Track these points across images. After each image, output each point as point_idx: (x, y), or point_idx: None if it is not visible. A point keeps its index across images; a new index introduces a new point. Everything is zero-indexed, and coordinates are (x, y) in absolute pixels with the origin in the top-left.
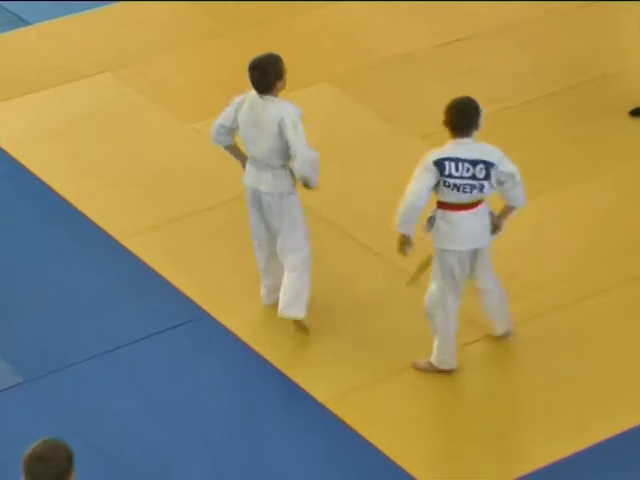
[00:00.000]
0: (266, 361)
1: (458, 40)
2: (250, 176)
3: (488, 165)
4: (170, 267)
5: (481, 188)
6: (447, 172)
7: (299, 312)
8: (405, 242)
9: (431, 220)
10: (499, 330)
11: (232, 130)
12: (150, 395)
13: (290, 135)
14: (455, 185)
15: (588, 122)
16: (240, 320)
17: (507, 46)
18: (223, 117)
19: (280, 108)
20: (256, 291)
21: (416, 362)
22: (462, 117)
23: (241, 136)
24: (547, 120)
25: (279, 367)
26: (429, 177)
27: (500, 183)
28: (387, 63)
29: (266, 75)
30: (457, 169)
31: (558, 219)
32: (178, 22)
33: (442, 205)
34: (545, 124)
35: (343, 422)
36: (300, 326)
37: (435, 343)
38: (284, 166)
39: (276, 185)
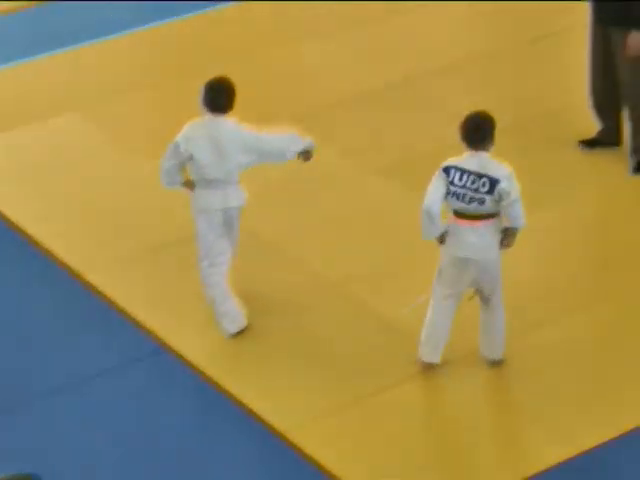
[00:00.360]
0: (227, 393)
1: (411, 78)
2: (216, 198)
3: (493, 181)
4: (131, 301)
5: (482, 201)
6: (450, 179)
7: None
8: (440, 241)
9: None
10: (486, 353)
11: (182, 166)
12: (110, 429)
13: (254, 142)
14: (456, 193)
15: (539, 154)
16: (201, 352)
17: (458, 83)
18: (169, 157)
19: (234, 126)
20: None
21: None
22: (476, 132)
23: (196, 163)
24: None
25: (240, 398)
26: (441, 183)
27: (500, 200)
28: (345, 102)
29: (223, 95)
30: (460, 179)
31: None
32: (135, 65)
33: (453, 212)
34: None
35: (304, 452)
36: None
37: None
38: (238, 182)
39: (239, 198)
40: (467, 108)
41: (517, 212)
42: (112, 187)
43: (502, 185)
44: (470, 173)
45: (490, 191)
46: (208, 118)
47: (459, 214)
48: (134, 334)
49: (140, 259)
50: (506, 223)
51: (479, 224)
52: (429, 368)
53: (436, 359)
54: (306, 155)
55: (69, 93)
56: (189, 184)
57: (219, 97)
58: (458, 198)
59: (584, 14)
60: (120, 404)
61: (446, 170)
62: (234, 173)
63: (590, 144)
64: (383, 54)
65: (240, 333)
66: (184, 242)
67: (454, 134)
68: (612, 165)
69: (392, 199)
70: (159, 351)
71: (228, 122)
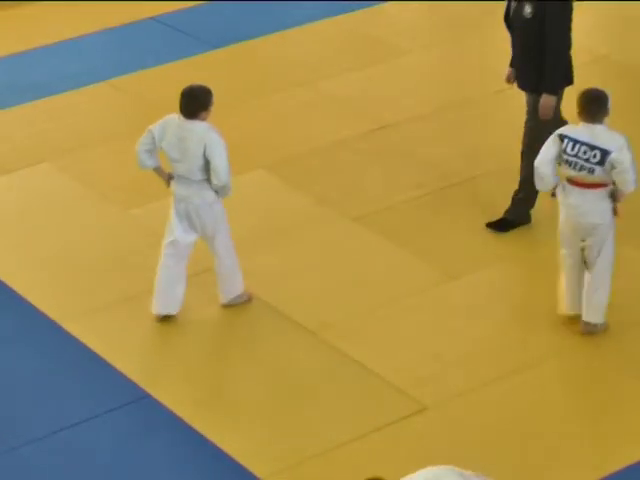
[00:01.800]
0: (207, 439)
1: (383, 127)
2: (180, 190)
3: (604, 152)
4: (110, 349)
5: (591, 170)
6: (564, 147)
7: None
8: (552, 194)
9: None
10: (587, 317)
11: (155, 152)
12: (93, 477)
13: (215, 157)
14: (567, 161)
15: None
16: (181, 399)
17: (429, 132)
18: (144, 142)
19: (205, 132)
20: (197, 369)
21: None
22: (592, 105)
23: (167, 156)
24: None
25: (220, 445)
26: (553, 146)
27: (613, 168)
28: (319, 150)
29: (196, 102)
30: (573, 148)
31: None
32: (108, 114)
33: (565, 177)
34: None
35: None
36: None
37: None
38: (207, 180)
39: (203, 196)
40: (438, 156)
41: (628, 178)
42: (87, 236)
43: (613, 155)
44: (582, 144)
45: (601, 162)
46: (181, 118)
47: (570, 180)
48: (114, 382)
49: (117, 307)
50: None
51: (588, 190)
52: (569, 319)
53: (573, 310)
54: (223, 193)
55: (42, 143)
56: (160, 171)
57: (189, 103)
58: (570, 165)
59: None
60: (101, 452)
61: (561, 137)
62: (197, 173)
63: (497, 225)
64: (356, 103)
65: (163, 319)
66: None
67: (429, 181)
68: None
69: (366, 246)
70: (139, 399)
71: (199, 125)
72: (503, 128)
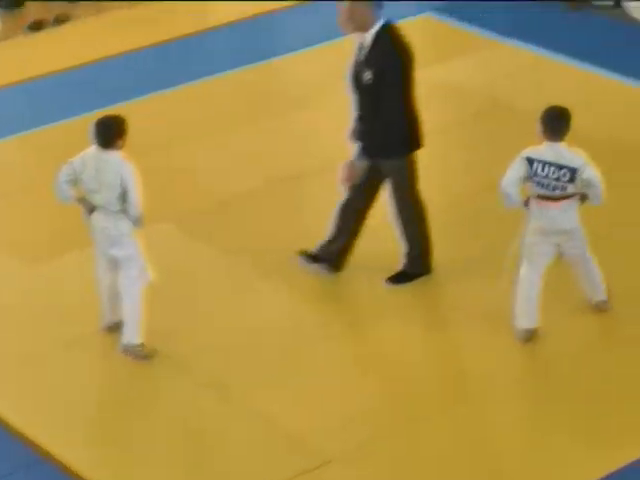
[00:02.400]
0: None
1: (287, 178)
2: (98, 221)
3: (572, 170)
4: (10, 409)
5: (564, 188)
6: (534, 171)
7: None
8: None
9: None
10: (594, 296)
11: (74, 184)
12: None
13: (130, 186)
14: (540, 183)
15: (489, 222)
16: (83, 458)
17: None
18: (66, 173)
19: (120, 162)
20: (101, 426)
21: None
22: (556, 122)
23: (85, 188)
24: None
25: None
26: (520, 168)
27: (584, 186)
28: (226, 202)
29: (109, 131)
30: (543, 170)
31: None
32: (11, 168)
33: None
34: None
35: None
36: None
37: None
38: (122, 210)
39: (118, 226)
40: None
41: (598, 192)
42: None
43: (584, 175)
44: (550, 164)
45: (571, 179)
46: (97, 149)
47: (542, 197)
48: (8, 445)
49: (22, 363)
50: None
51: (562, 202)
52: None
53: (532, 324)
54: (137, 224)
55: None
56: (82, 202)
57: (104, 132)
58: (542, 186)
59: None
60: None
61: (529, 160)
62: (114, 203)
63: (308, 257)
64: (259, 155)
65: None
66: (70, 346)
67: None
68: None
69: (271, 298)
70: (35, 463)
71: (115, 155)
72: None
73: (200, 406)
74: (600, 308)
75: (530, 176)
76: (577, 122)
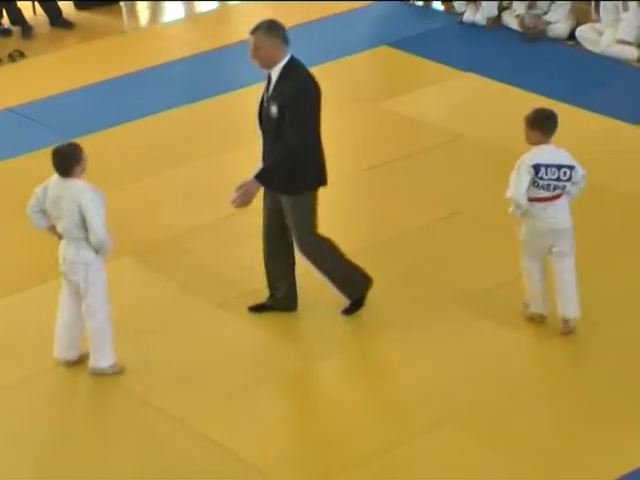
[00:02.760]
0: None
1: (242, 211)
2: (62, 248)
3: (570, 168)
4: None
5: (563, 187)
6: (540, 175)
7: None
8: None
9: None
10: (565, 312)
11: (44, 212)
12: None
13: (89, 213)
14: (543, 186)
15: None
16: None
17: None
18: (32, 205)
19: (79, 190)
20: (56, 458)
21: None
22: (549, 122)
23: (50, 215)
24: None
25: None
26: (527, 177)
27: (576, 182)
28: (183, 236)
29: (66, 160)
30: (546, 173)
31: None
32: None
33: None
34: None
35: None
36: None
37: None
38: (85, 238)
39: (80, 255)
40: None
41: (581, 188)
42: None
43: (580, 171)
44: (551, 166)
45: (569, 178)
46: (57, 178)
47: (540, 199)
48: None
49: None
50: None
51: (556, 200)
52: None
53: (543, 310)
54: (100, 252)
55: None
56: (53, 231)
57: (61, 161)
58: (544, 188)
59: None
60: None
61: (535, 167)
62: (74, 231)
63: (260, 309)
64: (213, 188)
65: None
66: (37, 377)
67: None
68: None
69: (231, 331)
70: None
71: (75, 183)
72: (376, 205)
73: (162, 438)
74: (565, 326)
75: (535, 181)
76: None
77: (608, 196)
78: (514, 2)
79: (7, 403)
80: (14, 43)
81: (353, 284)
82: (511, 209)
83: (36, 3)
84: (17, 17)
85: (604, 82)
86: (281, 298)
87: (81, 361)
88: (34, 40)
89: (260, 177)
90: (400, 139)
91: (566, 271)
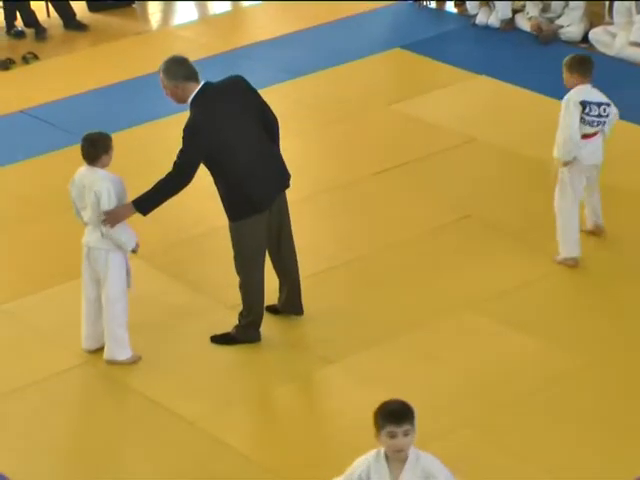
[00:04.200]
0: None
1: None
2: (85, 236)
3: (607, 105)
4: None
5: (604, 124)
6: (587, 111)
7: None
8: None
9: None
10: (596, 220)
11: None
12: None
13: (103, 203)
14: (589, 122)
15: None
16: None
17: (306, 216)
18: (73, 206)
19: (98, 179)
20: (74, 468)
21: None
22: (588, 64)
23: (77, 206)
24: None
25: None
26: (577, 114)
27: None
28: (195, 238)
29: (95, 147)
30: (591, 110)
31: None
32: None
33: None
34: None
35: None
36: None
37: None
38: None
39: (102, 241)
40: (312, 242)
41: (612, 126)
42: None
43: (614, 109)
44: (594, 103)
45: (607, 114)
46: (86, 167)
47: (584, 135)
48: None
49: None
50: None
51: (596, 137)
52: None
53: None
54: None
55: None
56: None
57: (86, 149)
58: (589, 125)
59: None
60: None
61: (582, 103)
62: (96, 221)
63: (272, 311)
64: None
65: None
66: (39, 384)
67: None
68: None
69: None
70: None
71: (97, 173)
72: (383, 209)
73: (172, 442)
74: (598, 229)
75: (582, 117)
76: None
77: (623, 196)
78: (527, 4)
79: (19, 406)
80: (28, 45)
81: (251, 325)
82: (559, 152)
83: (50, 5)
84: (31, 19)
85: (617, 84)
86: (284, 303)
87: (99, 353)
88: (47, 42)
89: (135, 203)
90: (413, 142)
91: (597, 193)
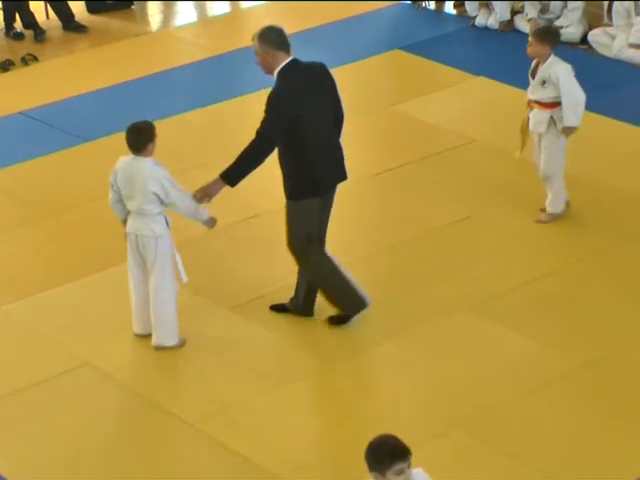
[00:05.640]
0: None
1: (257, 215)
2: (132, 223)
3: None
4: None
5: None
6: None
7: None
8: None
9: None
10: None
11: (120, 197)
12: None
13: (168, 189)
14: None
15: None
16: None
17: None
18: (112, 197)
19: (150, 168)
20: (75, 469)
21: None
22: (559, 37)
23: (122, 194)
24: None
25: None
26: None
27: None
28: (197, 239)
29: (141, 136)
30: None
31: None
32: None
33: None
34: None
35: None
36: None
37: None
38: (160, 213)
39: (151, 229)
40: None
41: None
42: None
43: None
44: None
45: None
46: (131, 157)
47: None
48: None
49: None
50: None
51: None
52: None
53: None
54: (210, 224)
55: None
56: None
57: (132, 138)
58: None
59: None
60: None
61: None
62: (146, 207)
63: (279, 309)
64: (228, 191)
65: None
66: (42, 384)
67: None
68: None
69: (243, 335)
70: None
71: (145, 162)
72: (379, 211)
73: (173, 444)
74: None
75: None
76: None
77: (620, 199)
78: (526, 6)
79: (19, 407)
80: (27, 47)
81: (348, 299)
82: (577, 118)
83: (49, 7)
84: (30, 21)
85: (616, 86)
86: (298, 304)
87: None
88: (47, 44)
89: (223, 176)
90: (412, 143)
91: None
